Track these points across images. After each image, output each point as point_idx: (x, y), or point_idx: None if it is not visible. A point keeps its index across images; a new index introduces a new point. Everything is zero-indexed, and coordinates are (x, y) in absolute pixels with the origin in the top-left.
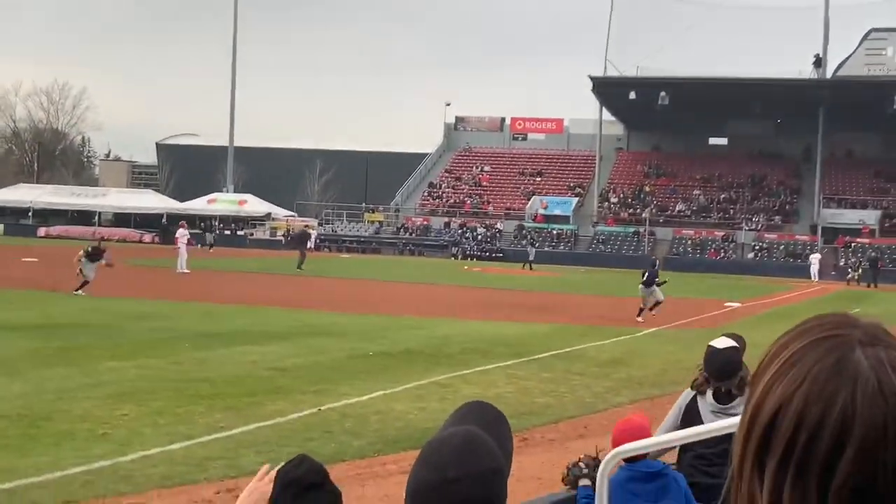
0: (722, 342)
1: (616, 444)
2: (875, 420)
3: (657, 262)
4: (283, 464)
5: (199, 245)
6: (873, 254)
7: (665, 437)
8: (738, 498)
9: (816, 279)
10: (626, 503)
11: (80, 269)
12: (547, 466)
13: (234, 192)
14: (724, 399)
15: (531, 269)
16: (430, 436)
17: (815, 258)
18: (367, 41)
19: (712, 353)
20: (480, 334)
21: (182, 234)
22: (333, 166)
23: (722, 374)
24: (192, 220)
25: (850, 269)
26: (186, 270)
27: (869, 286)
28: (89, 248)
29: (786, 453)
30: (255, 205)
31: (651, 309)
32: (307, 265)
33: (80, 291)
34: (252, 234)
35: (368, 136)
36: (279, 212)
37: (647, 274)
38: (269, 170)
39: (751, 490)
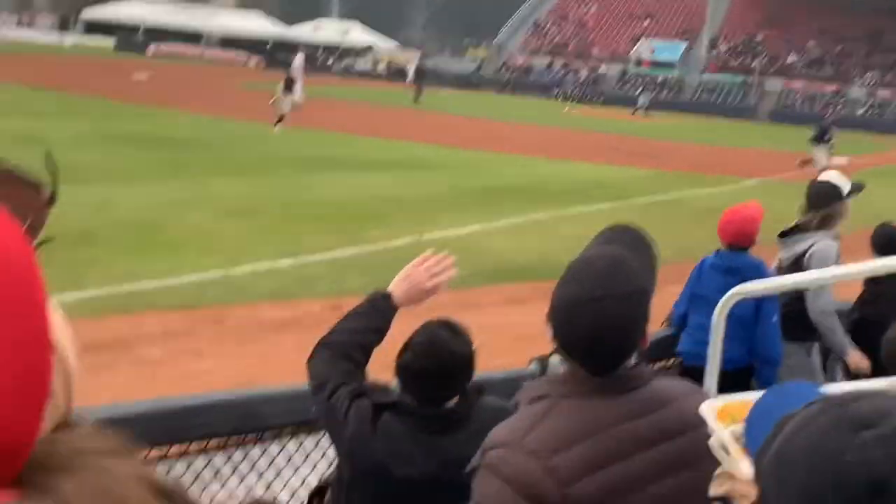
0: (827, 175)
1: (721, 232)
2: None
3: (830, 122)
4: (415, 332)
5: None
6: None
7: (789, 280)
8: None
9: None
10: (703, 284)
11: (276, 101)
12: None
13: (340, 19)
14: (786, 233)
15: (639, 114)
16: (528, 272)
17: None
18: None
19: (812, 182)
20: (580, 176)
21: (299, 62)
22: None
23: (812, 201)
24: (295, 47)
25: None
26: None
27: None
28: (283, 84)
29: None
30: (358, 35)
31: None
32: (425, 98)
33: (277, 127)
34: (354, 64)
35: None
36: (383, 44)
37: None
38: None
39: None
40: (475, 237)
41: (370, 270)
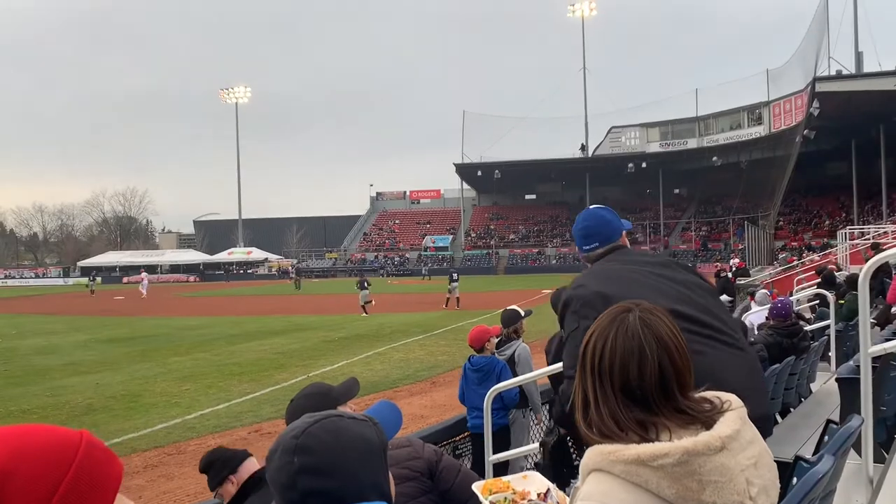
0: (511, 307)
1: (471, 342)
2: (628, 347)
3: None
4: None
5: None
6: None
7: (519, 379)
8: (577, 395)
9: None
10: (468, 380)
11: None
12: (451, 398)
13: (244, 246)
14: (499, 345)
15: (426, 279)
16: (379, 388)
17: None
18: (323, 143)
19: (503, 311)
20: (401, 321)
21: (145, 276)
22: (304, 226)
23: (504, 323)
24: (218, 265)
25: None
26: (143, 294)
27: None
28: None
29: (592, 367)
30: (257, 254)
31: None
32: (303, 287)
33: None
34: (256, 271)
35: (325, 205)
36: (273, 256)
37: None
38: (265, 231)
39: (584, 389)
40: (343, 368)
41: (277, 403)
